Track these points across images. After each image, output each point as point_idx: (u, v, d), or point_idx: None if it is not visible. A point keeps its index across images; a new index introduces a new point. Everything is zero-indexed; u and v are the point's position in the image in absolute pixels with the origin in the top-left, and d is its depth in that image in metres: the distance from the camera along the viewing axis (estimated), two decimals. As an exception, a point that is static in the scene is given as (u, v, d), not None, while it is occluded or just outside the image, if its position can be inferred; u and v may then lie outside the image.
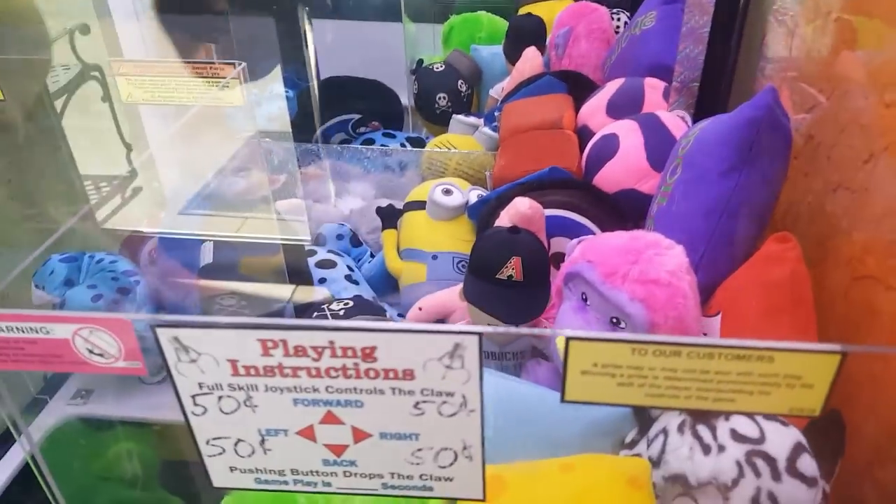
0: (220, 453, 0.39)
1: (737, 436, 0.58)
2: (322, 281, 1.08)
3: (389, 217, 1.21)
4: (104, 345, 0.35)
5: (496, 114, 1.40)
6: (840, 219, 0.81)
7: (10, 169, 1.29)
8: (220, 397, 0.37)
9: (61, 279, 0.95)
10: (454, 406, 0.36)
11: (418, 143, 1.56)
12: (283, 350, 0.35)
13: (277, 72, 1.50)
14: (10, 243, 1.29)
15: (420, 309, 0.97)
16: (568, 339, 0.33)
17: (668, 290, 0.68)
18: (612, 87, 1.21)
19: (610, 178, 1.04)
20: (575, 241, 0.82)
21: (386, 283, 1.18)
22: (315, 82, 1.61)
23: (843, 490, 0.66)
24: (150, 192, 1.37)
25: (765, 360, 0.31)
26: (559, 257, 0.95)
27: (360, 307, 0.89)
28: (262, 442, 0.39)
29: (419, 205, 1.18)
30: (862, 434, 0.68)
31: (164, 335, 0.34)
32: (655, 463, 0.60)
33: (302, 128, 1.54)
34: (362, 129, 1.60)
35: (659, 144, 1.01)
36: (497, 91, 1.64)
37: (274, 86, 1.48)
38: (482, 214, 1.07)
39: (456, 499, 0.41)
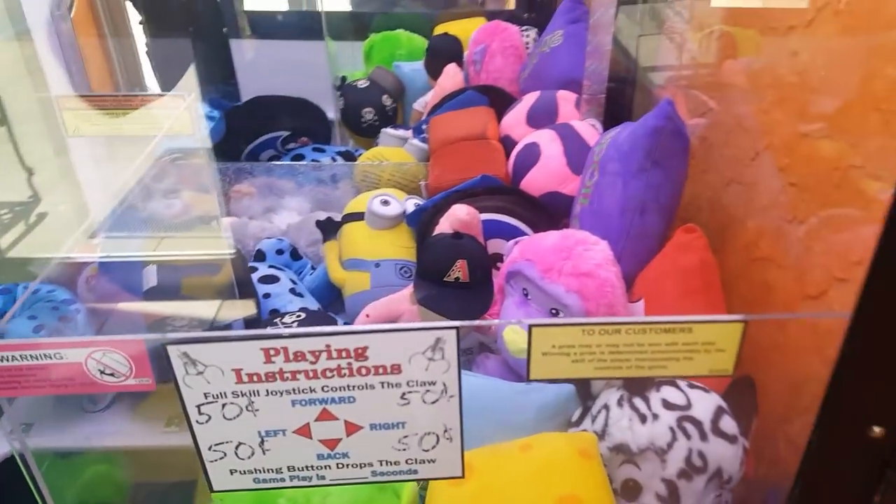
0: (221, 458, 0.43)
1: (667, 404, 0.66)
2: (266, 296, 1.11)
3: (329, 229, 1.24)
4: (116, 365, 0.38)
5: (424, 126, 1.46)
6: (735, 209, 0.92)
7: None
8: (223, 405, 0.41)
9: (-2, 312, 0.94)
10: (436, 394, 0.42)
11: (348, 156, 1.60)
12: (284, 356, 0.39)
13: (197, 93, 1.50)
14: None
15: (368, 316, 1.02)
16: (530, 326, 0.39)
17: (598, 281, 0.77)
18: (529, 100, 1.31)
19: (535, 182, 1.13)
20: (512, 242, 0.89)
21: (329, 294, 1.22)
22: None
23: (761, 446, 0.76)
24: (60, 217, 1.34)
25: (686, 332, 0.39)
26: (497, 258, 1.02)
27: (312, 318, 0.93)
28: (262, 443, 0.43)
29: (358, 216, 1.22)
30: (772, 397, 0.77)
31: (174, 351, 0.38)
32: (600, 436, 0.68)
33: (230, 147, 1.55)
34: (291, 146, 1.62)
35: (576, 150, 1.10)
36: (421, 104, 1.71)
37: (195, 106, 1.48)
38: (421, 222, 1.13)
39: (435, 479, 0.47)
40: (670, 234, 0.90)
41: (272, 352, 0.39)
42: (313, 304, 1.15)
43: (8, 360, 0.37)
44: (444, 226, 0.99)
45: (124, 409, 1.05)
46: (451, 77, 1.53)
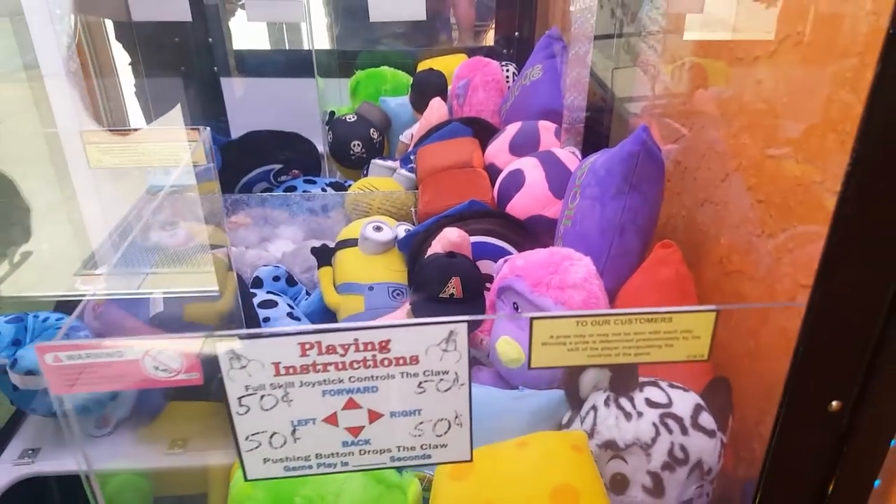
0: (257, 447, 0.48)
1: (650, 403, 0.72)
2: (266, 320, 1.15)
3: (324, 256, 1.30)
4: (170, 362, 0.43)
5: (411, 157, 1.53)
6: (709, 227, 1.00)
7: None
8: (262, 396, 0.46)
9: (8, 340, 0.97)
10: (449, 382, 0.47)
11: (338, 187, 1.66)
12: (318, 350, 0.44)
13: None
14: None
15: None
16: (531, 319, 0.45)
17: (583, 293, 0.83)
18: (511, 130, 1.39)
19: (520, 206, 1.20)
20: (501, 260, 0.96)
21: (324, 317, 1.27)
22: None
23: (738, 446, 0.82)
24: (60, 250, 1.38)
25: (666, 321, 0.45)
26: (486, 278, 1.08)
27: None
28: (294, 432, 0.48)
29: (351, 242, 1.28)
30: (746, 400, 0.84)
31: (222, 348, 0.43)
32: (590, 434, 0.73)
33: (225, 179, 1.60)
34: (283, 178, 1.68)
35: (557, 176, 1.18)
36: (407, 137, 1.79)
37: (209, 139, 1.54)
38: (413, 246, 1.19)
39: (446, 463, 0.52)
40: (648, 253, 0.97)
41: (308, 346, 0.44)
42: (311, 327, 1.19)
43: (75, 359, 0.42)
44: (437, 248, 1.05)
45: (128, 433, 1.08)
46: (436, 110, 1.61)
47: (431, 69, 1.80)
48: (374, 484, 0.65)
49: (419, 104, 1.76)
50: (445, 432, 0.50)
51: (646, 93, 1.27)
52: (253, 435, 0.47)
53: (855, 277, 0.45)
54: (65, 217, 1.41)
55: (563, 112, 1.30)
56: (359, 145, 1.77)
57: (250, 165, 1.64)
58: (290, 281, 1.34)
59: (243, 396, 0.46)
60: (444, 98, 1.72)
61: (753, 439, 0.85)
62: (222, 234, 1.15)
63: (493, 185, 1.30)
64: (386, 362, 0.46)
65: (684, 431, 0.71)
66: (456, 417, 0.49)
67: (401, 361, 0.46)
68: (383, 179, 1.55)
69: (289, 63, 2.23)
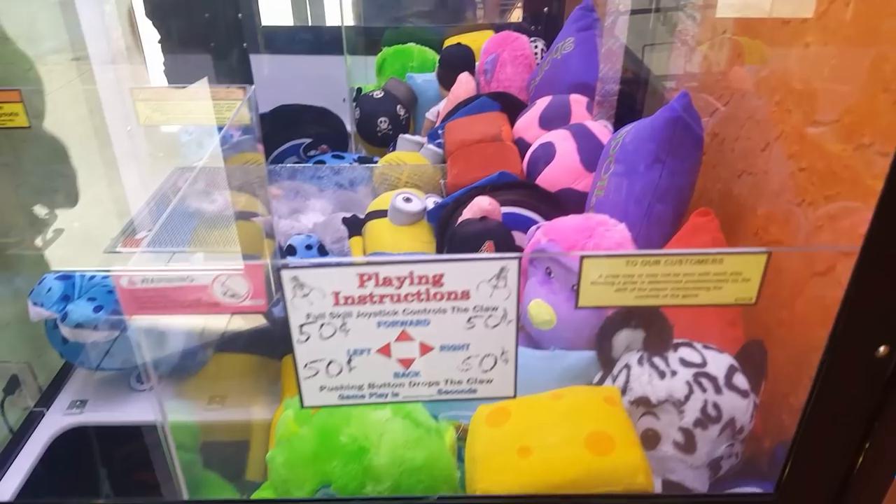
0: (314, 375, 0.50)
1: (684, 362, 0.74)
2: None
3: (354, 226, 1.32)
4: (238, 287, 0.45)
5: (439, 132, 1.55)
6: (745, 198, 1.00)
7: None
8: (321, 325, 0.48)
9: (58, 295, 1.00)
10: (497, 318, 0.49)
11: (366, 162, 1.68)
12: (375, 281, 0.46)
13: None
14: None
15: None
16: (582, 258, 0.47)
17: (619, 257, 0.84)
18: (541, 104, 1.39)
19: (549, 179, 1.21)
20: (533, 227, 0.97)
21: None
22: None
23: (770, 419, 0.82)
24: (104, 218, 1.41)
25: (717, 262, 0.46)
26: (517, 250, 1.09)
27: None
28: (349, 361, 0.50)
29: (381, 213, 1.30)
30: (776, 372, 0.84)
31: (287, 275, 0.45)
32: (622, 392, 0.75)
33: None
34: (312, 153, 1.70)
35: (589, 149, 1.19)
36: (433, 114, 1.80)
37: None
38: (441, 217, 1.20)
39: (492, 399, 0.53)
40: (682, 224, 0.98)
41: (366, 277, 0.46)
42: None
43: (148, 283, 0.44)
44: (467, 216, 1.07)
45: (169, 389, 1.11)
46: (464, 85, 1.62)
47: (459, 44, 1.80)
48: (413, 427, 0.67)
49: (446, 80, 1.77)
50: (491, 368, 0.51)
51: (682, 66, 1.27)
52: (311, 363, 0.49)
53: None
54: (105, 184, 1.44)
55: (596, 84, 1.30)
56: (385, 122, 1.78)
57: (281, 139, 1.66)
58: (322, 250, 1.36)
59: (304, 324, 0.47)
60: (472, 73, 1.73)
61: (783, 410, 0.86)
62: (261, 203, 1.17)
63: (522, 159, 1.31)
64: (438, 296, 0.48)
65: (718, 391, 0.72)
66: (502, 353, 0.51)
67: (452, 296, 0.48)
68: (411, 154, 1.57)
69: (316, 40, 2.24)
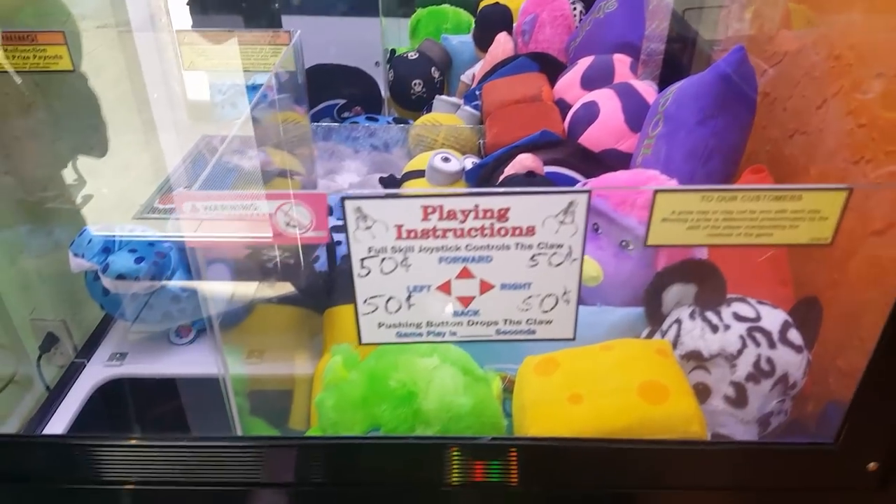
0: (373, 311, 0.49)
1: (738, 317, 0.72)
2: (339, 244, 1.17)
3: (391, 186, 1.31)
4: (301, 217, 0.44)
5: (476, 93, 1.52)
6: (798, 158, 0.97)
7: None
8: (382, 259, 0.47)
9: (99, 247, 1.01)
10: (561, 256, 0.48)
11: (400, 123, 1.66)
12: (439, 214, 0.45)
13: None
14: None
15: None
16: (655, 192, 0.45)
17: (670, 212, 0.82)
18: (583, 64, 1.36)
19: (593, 139, 1.18)
20: (580, 183, 0.95)
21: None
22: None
23: (817, 382, 0.80)
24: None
25: (795, 199, 0.45)
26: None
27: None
28: (409, 298, 0.49)
29: (418, 174, 1.29)
30: (827, 333, 0.82)
31: (350, 206, 0.44)
32: (672, 346, 0.73)
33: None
34: (346, 114, 1.69)
35: (634, 108, 1.16)
36: (468, 77, 1.77)
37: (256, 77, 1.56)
38: (481, 176, 1.19)
39: (551, 340, 0.52)
40: (733, 182, 0.95)
41: (430, 209, 0.45)
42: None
43: (212, 210, 0.43)
44: (510, 173, 1.05)
45: (208, 343, 1.12)
46: (502, 45, 1.59)
47: (497, 3, 1.76)
48: (461, 375, 0.67)
49: (483, 41, 1.73)
50: (552, 308, 0.50)
51: (734, 26, 1.23)
52: (371, 298, 0.49)
53: None
54: (140, 144, 1.45)
55: (642, 43, 1.26)
56: (419, 84, 1.76)
57: (315, 99, 1.65)
58: (357, 209, 1.35)
59: (366, 258, 0.47)
60: (510, 34, 1.69)
61: (829, 373, 0.84)
62: (300, 161, 1.17)
63: (562, 120, 1.28)
64: (503, 231, 0.47)
65: (772, 345, 0.70)
66: (564, 294, 0.50)
67: (517, 232, 0.47)
68: (447, 115, 1.54)
69: (348, 1, 2.21)
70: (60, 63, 0.77)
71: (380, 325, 0.50)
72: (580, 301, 0.90)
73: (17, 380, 1.21)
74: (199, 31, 0.80)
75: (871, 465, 0.58)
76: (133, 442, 0.58)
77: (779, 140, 1.03)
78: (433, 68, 1.78)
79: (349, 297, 0.92)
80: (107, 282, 1.00)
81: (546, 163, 1.12)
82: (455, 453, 0.57)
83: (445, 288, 0.49)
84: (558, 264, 0.48)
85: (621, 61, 1.32)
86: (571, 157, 1.14)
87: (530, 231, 0.46)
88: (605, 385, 0.63)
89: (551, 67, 1.49)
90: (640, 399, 0.61)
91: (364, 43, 2.00)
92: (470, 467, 0.56)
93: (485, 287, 0.49)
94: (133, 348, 1.10)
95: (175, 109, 1.37)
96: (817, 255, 0.88)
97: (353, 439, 0.59)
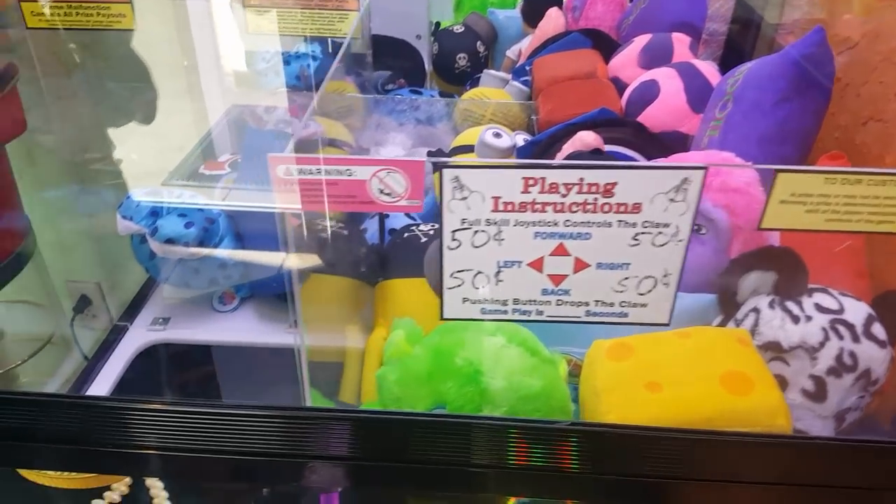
0: (459, 285, 0.47)
1: (820, 308, 0.69)
2: (386, 216, 1.15)
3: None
4: (395, 185, 0.42)
5: (526, 68, 1.48)
6: (870, 147, 0.92)
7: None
8: (475, 232, 0.44)
9: (147, 210, 1.00)
10: (667, 237, 0.45)
11: (445, 97, 1.63)
12: (540, 187, 0.43)
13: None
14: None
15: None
16: (776, 171, 0.42)
17: (747, 198, 0.79)
18: (640, 41, 1.31)
19: (652, 120, 1.14)
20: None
21: (439, 219, 1.26)
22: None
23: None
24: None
25: (927, 185, 0.41)
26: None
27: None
28: (497, 273, 0.47)
29: (467, 149, 1.26)
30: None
31: (448, 174, 0.41)
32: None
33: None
34: (389, 87, 1.66)
35: (697, 89, 1.11)
36: (514, 52, 1.72)
37: (300, 45, 1.53)
38: (533, 153, 1.15)
39: (643, 325, 0.50)
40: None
41: (531, 181, 0.42)
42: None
43: (306, 174, 0.41)
44: (570, 150, 1.02)
45: (251, 311, 1.11)
46: (553, 20, 1.54)
47: (547, -22, 1.71)
48: (528, 356, 0.64)
49: (531, 16, 1.69)
50: (649, 291, 0.48)
51: (800, 5, 1.18)
52: (458, 272, 0.46)
53: None
54: (186, 108, 1.43)
55: (703, 23, 1.21)
56: (464, 58, 1.72)
57: (359, 70, 1.62)
58: (403, 183, 1.33)
59: (458, 230, 0.44)
60: (560, 9, 1.64)
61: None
62: (350, 132, 1.14)
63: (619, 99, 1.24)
64: (606, 207, 0.44)
65: (855, 339, 0.67)
66: (664, 276, 0.47)
67: (622, 208, 0.44)
68: (495, 90, 1.51)
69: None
70: (124, 22, 0.75)
71: (464, 300, 0.48)
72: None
73: (55, 341, 1.21)
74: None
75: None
76: (198, 408, 0.56)
77: (849, 127, 0.98)
78: (478, 42, 1.74)
79: (404, 271, 0.91)
80: (154, 245, 0.99)
81: (606, 142, 1.08)
82: (528, 436, 0.54)
83: (537, 265, 0.46)
84: (662, 244, 0.45)
85: (680, 40, 1.27)
86: (632, 136, 1.10)
87: (636, 208, 0.44)
88: (684, 374, 0.61)
89: (604, 44, 1.44)
90: (722, 390, 0.58)
91: (409, 15, 1.95)
92: (545, 451, 0.54)
93: (579, 265, 0.46)
94: (176, 313, 1.10)
95: (223, 77, 1.35)
96: (890, 250, 0.84)
97: (436, 416, 0.57)
